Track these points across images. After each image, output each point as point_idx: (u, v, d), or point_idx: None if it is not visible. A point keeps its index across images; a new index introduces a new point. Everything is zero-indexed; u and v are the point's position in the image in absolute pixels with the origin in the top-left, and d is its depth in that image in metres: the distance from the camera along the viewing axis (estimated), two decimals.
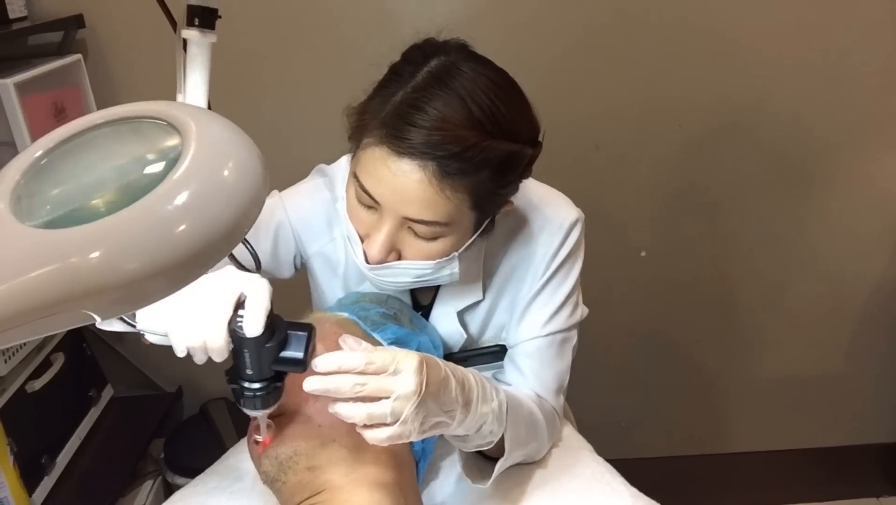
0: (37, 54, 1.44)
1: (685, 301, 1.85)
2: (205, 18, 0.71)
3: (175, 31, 0.72)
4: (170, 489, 1.67)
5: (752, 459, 2.05)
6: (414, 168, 0.76)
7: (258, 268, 0.75)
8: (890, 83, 1.63)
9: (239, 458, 1.02)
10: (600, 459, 1.00)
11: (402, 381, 0.68)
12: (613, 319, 1.80)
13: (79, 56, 1.42)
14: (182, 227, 0.39)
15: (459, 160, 0.76)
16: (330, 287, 1.05)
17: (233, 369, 0.67)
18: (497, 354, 1.04)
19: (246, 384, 0.66)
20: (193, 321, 0.63)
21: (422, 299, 1.04)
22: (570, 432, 1.08)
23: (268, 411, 0.69)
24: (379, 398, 0.68)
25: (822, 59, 1.60)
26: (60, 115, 1.37)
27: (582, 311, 1.03)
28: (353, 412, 0.68)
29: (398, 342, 0.88)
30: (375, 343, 0.86)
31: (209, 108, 0.69)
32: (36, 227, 0.39)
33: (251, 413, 0.69)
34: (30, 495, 1.33)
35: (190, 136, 0.42)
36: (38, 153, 0.43)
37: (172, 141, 0.43)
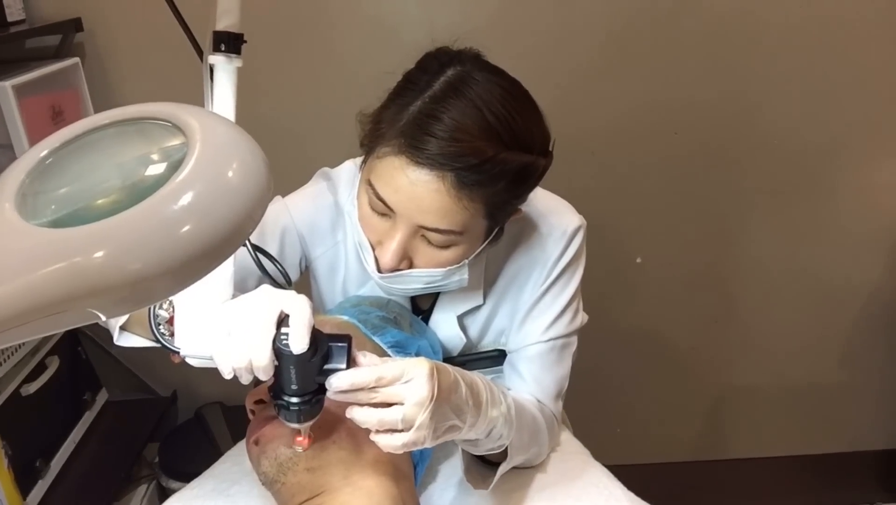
0: (35, 57, 1.44)
1: (681, 308, 1.85)
2: (230, 44, 0.70)
3: (201, 59, 0.72)
4: (164, 493, 1.67)
5: (748, 465, 2.05)
6: (432, 178, 0.77)
7: (289, 283, 0.75)
8: (887, 90, 1.64)
9: (236, 461, 1.01)
10: (598, 464, 1.01)
11: (414, 388, 0.68)
12: (609, 326, 1.81)
13: (76, 59, 1.42)
14: (186, 228, 0.39)
15: (477, 172, 0.77)
16: (330, 290, 1.05)
17: (275, 386, 0.67)
18: (496, 358, 1.04)
19: (291, 399, 0.67)
20: (238, 342, 0.63)
21: (422, 304, 1.04)
22: (567, 437, 1.08)
23: (311, 423, 0.70)
24: (392, 405, 0.68)
25: (819, 65, 1.61)
26: (58, 118, 1.37)
27: (582, 317, 1.04)
28: (365, 417, 0.68)
29: (398, 346, 0.88)
30: (375, 346, 0.86)
31: None
32: (41, 226, 0.39)
33: (295, 426, 0.70)
34: (24, 499, 1.33)
35: (194, 137, 0.42)
36: (44, 153, 0.44)
37: (177, 142, 0.43)
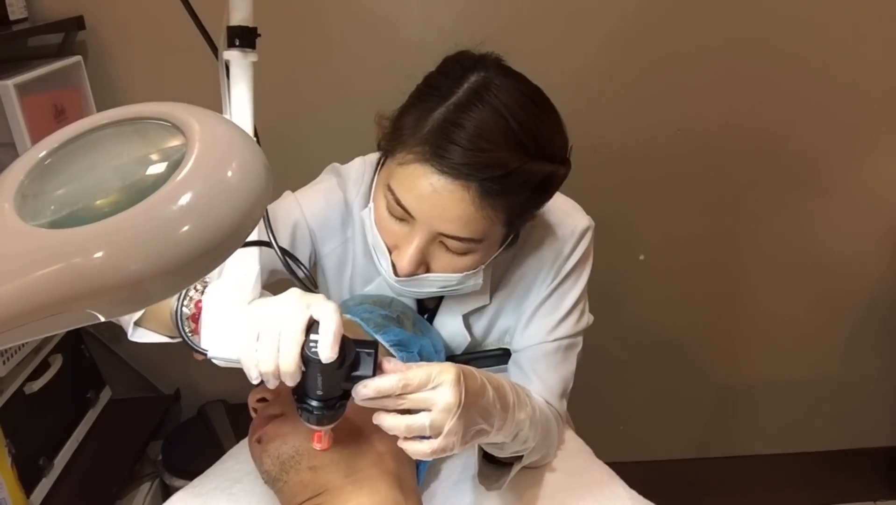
0: (37, 56, 1.44)
1: (684, 305, 1.85)
2: (245, 38, 0.70)
3: (216, 56, 0.71)
4: (167, 491, 1.67)
5: (750, 462, 2.05)
6: (457, 187, 0.77)
7: (315, 287, 0.75)
8: (889, 87, 1.64)
9: (238, 459, 1.01)
10: (600, 462, 1.01)
11: (441, 394, 0.68)
12: (612, 322, 1.80)
13: (79, 58, 1.42)
14: (185, 228, 0.39)
15: (502, 182, 0.77)
16: (337, 287, 1.05)
17: (300, 389, 0.67)
18: (500, 357, 1.04)
19: (315, 403, 0.67)
20: (266, 348, 0.62)
21: (427, 302, 1.04)
22: (570, 436, 1.08)
23: (333, 425, 0.70)
24: (420, 411, 0.68)
25: (822, 61, 1.60)
26: (60, 117, 1.37)
27: (588, 318, 1.04)
28: (393, 424, 0.68)
29: (400, 344, 0.88)
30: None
31: (255, 130, 0.69)
32: (40, 227, 0.39)
33: (317, 428, 0.70)
34: (28, 497, 1.33)
35: (193, 137, 0.42)
36: (43, 153, 0.44)
37: (176, 142, 0.43)
